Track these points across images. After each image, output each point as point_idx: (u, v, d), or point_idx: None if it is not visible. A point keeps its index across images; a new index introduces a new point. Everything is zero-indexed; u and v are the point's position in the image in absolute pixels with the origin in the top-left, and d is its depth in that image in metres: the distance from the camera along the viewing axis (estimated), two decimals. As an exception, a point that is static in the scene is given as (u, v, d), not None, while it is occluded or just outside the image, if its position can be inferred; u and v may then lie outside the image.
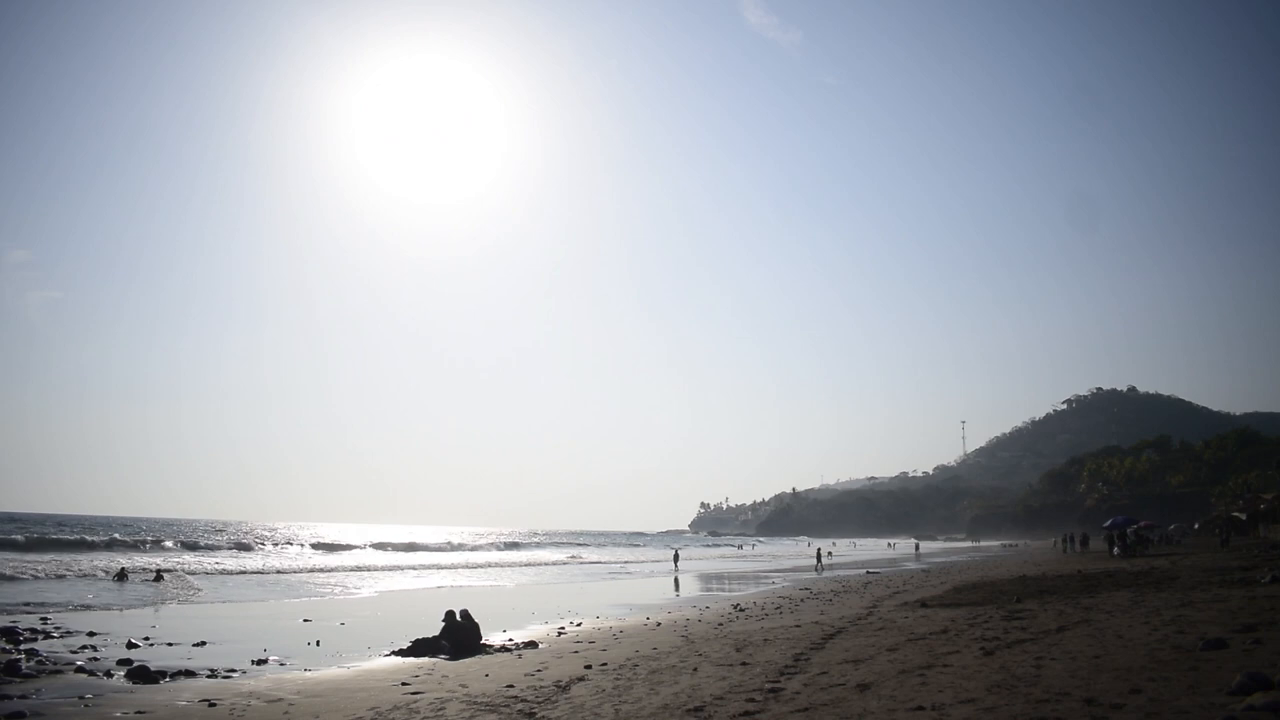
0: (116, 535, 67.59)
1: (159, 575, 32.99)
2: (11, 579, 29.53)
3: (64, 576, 32.09)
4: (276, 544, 71.67)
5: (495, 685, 10.29)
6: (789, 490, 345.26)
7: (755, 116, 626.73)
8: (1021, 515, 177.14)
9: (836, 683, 8.62)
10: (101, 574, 33.78)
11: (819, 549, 58.29)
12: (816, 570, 45.56)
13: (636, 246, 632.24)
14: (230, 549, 62.08)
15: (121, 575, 32.33)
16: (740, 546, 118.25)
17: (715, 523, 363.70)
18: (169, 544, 61.30)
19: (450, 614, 14.77)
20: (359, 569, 45.87)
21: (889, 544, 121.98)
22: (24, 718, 8.88)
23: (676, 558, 53.56)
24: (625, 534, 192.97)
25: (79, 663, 12.45)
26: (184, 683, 11.15)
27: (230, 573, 38.11)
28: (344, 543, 77.23)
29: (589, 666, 11.48)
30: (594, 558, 68.45)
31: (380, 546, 74.23)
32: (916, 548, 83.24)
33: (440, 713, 8.70)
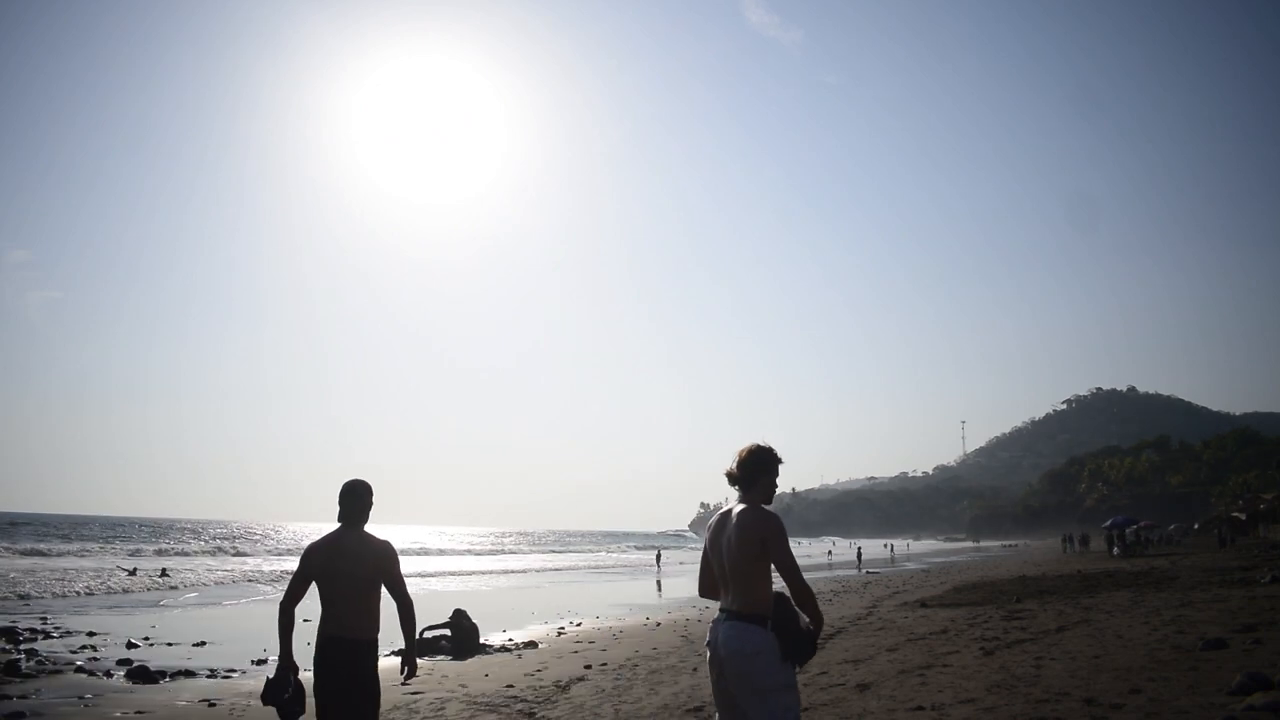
0: (116, 535, 67.55)
1: (164, 573, 32.99)
2: (11, 578, 29.50)
3: (64, 577, 32.07)
4: (276, 544, 71.59)
5: (495, 685, 10.28)
6: (789, 490, 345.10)
7: (756, 116, 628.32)
8: (1021, 515, 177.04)
9: (836, 683, 8.61)
10: (92, 573, 33.77)
11: (859, 548, 58.79)
12: (858, 569, 46.13)
13: (637, 246, 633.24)
14: (230, 549, 62.04)
15: (131, 574, 32.38)
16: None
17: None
18: (169, 544, 61.28)
19: (459, 612, 14.73)
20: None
21: (884, 544, 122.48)
22: (24, 718, 8.87)
23: (659, 558, 52.48)
24: (625, 534, 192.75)
25: (79, 663, 12.43)
26: (184, 683, 11.14)
27: (230, 573, 38.09)
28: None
29: (589, 666, 11.48)
30: (593, 558, 68.40)
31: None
32: (890, 549, 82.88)
33: (440, 713, 8.69)
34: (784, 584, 3.93)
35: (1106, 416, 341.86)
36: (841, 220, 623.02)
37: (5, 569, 33.60)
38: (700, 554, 4.27)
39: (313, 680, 4.60)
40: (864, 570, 44.09)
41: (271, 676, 4.67)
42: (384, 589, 4.69)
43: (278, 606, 4.73)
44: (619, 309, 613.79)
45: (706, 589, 4.20)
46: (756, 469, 4.00)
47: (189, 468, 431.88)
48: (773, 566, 3.92)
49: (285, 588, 4.79)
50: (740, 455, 4.05)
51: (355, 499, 4.69)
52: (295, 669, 4.63)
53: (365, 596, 4.57)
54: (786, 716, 3.82)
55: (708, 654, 3.99)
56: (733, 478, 4.07)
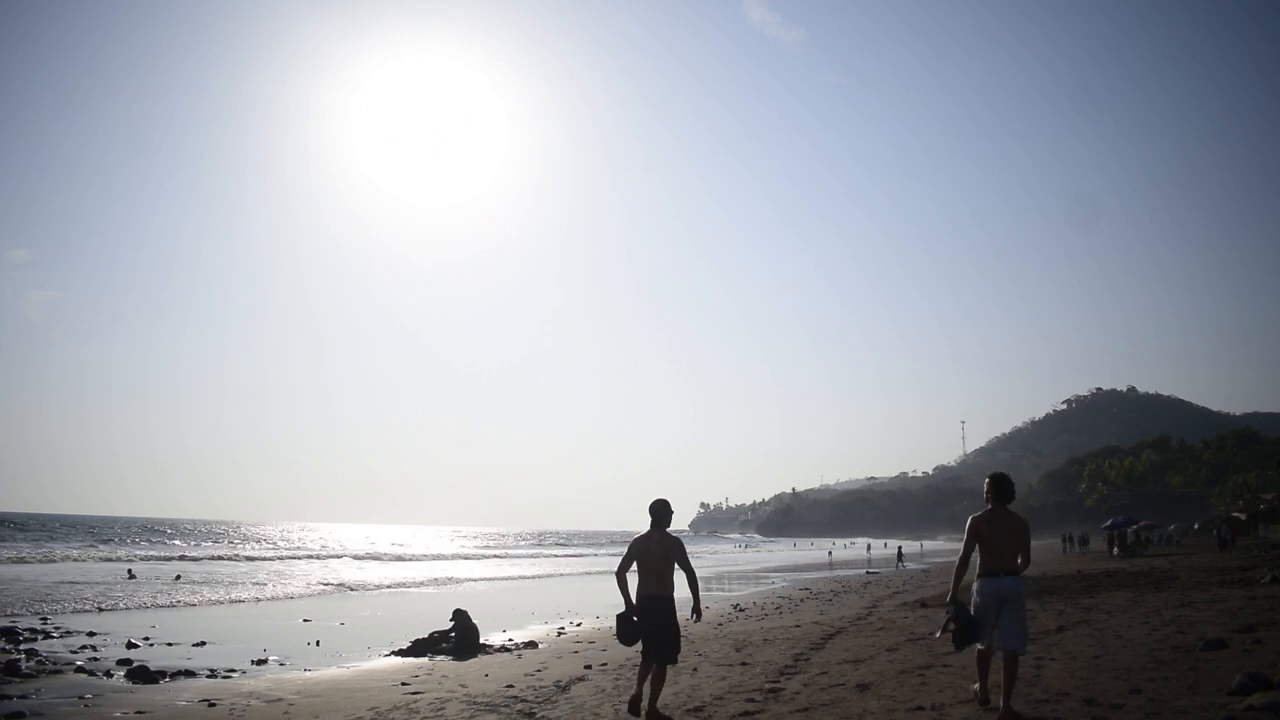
0: (116, 535, 67.44)
1: (178, 578, 32.92)
2: (11, 579, 29.51)
3: (64, 577, 32.07)
4: (275, 545, 71.59)
5: (495, 685, 10.29)
6: (789, 490, 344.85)
7: (757, 115, 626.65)
8: (1022, 515, 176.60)
9: (836, 683, 8.62)
10: (92, 573, 33.75)
11: (899, 547, 59.17)
12: (898, 567, 46.87)
13: (638, 246, 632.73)
14: (229, 550, 62.03)
15: (130, 575, 32.36)
16: (738, 546, 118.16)
17: (715, 523, 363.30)
18: (168, 544, 61.27)
19: (459, 613, 14.74)
20: (360, 569, 45.83)
21: (884, 545, 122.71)
22: (24, 718, 8.88)
23: None
24: (624, 534, 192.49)
25: (79, 663, 12.44)
26: (184, 683, 11.15)
27: (229, 573, 38.09)
28: (344, 542, 77.04)
29: (589, 666, 11.48)
30: (594, 560, 68.36)
31: (380, 547, 74.13)
32: (869, 548, 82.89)
33: (440, 713, 8.70)
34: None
35: (1107, 416, 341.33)
36: (842, 219, 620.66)
37: (4, 569, 33.59)
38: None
39: (641, 622, 7.42)
40: (902, 565, 45.58)
41: (620, 615, 7.51)
42: (676, 566, 7.48)
43: (614, 575, 7.69)
44: (621, 309, 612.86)
45: (967, 559, 6.98)
46: (1012, 490, 6.96)
47: (189, 468, 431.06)
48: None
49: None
50: (998, 480, 6.97)
51: (653, 513, 7.61)
52: (634, 609, 7.46)
53: (664, 569, 7.48)
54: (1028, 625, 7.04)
55: (989, 593, 6.71)
56: (1000, 493, 6.89)
